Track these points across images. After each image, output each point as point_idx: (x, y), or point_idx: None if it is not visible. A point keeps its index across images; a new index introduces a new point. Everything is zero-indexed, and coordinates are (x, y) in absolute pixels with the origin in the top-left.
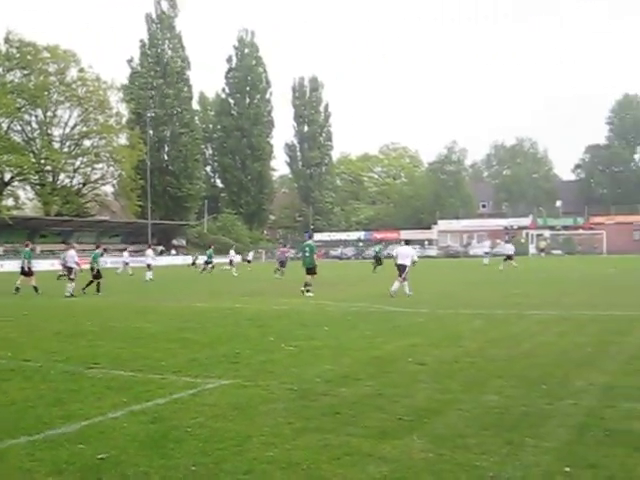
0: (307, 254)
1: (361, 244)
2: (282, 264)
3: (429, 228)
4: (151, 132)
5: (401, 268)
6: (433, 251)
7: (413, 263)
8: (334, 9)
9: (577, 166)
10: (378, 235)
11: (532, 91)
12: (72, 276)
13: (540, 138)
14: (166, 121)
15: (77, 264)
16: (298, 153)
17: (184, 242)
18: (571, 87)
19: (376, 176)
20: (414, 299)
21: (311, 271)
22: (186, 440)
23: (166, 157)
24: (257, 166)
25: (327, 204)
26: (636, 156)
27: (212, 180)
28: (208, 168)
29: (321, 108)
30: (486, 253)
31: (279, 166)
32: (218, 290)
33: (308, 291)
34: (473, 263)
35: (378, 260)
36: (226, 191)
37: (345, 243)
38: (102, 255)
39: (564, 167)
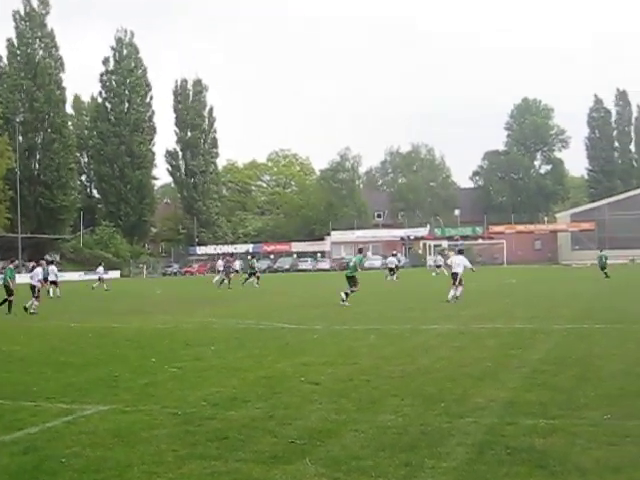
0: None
1: (250, 257)
2: (227, 274)
3: (322, 239)
4: (20, 138)
5: (454, 276)
6: (326, 264)
7: (471, 269)
8: (218, 7)
9: (475, 173)
10: (268, 247)
11: (425, 94)
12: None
13: (437, 144)
14: (37, 127)
15: None
16: (181, 161)
17: (58, 257)
18: (468, 90)
19: (265, 185)
20: (306, 316)
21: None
22: (61, 471)
23: (37, 166)
24: (137, 175)
25: (212, 215)
26: (536, 162)
27: (88, 190)
28: (84, 177)
29: (205, 112)
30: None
31: (161, 175)
32: (95, 308)
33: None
34: (368, 276)
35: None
36: (104, 202)
37: (232, 256)
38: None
39: (462, 174)
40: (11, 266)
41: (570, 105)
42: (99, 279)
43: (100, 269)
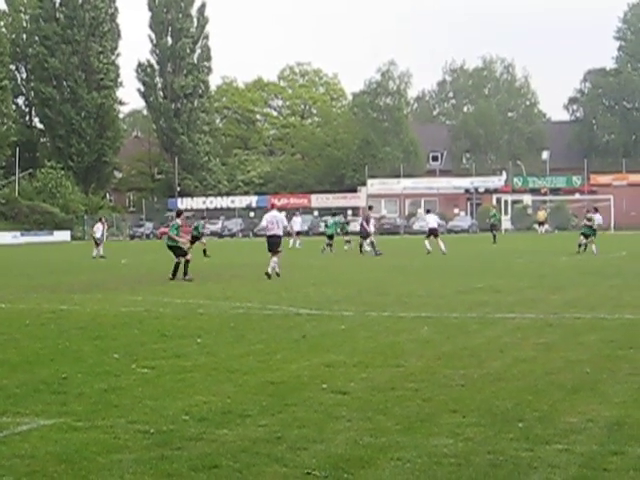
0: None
1: (252, 214)
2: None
3: (354, 191)
4: None
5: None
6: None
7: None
8: None
9: (572, 100)
10: (278, 201)
11: None
12: None
13: (518, 59)
14: None
15: None
16: (158, 79)
17: None
18: None
19: (275, 113)
20: (333, 297)
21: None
22: None
23: None
24: (96, 98)
25: (201, 155)
26: None
27: (27, 118)
28: (20, 100)
29: (193, 11)
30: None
31: (130, 98)
32: (34, 284)
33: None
34: (419, 242)
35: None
36: (48, 135)
37: (228, 213)
38: None
39: (554, 102)
40: None
41: None
42: (96, 243)
43: (98, 227)
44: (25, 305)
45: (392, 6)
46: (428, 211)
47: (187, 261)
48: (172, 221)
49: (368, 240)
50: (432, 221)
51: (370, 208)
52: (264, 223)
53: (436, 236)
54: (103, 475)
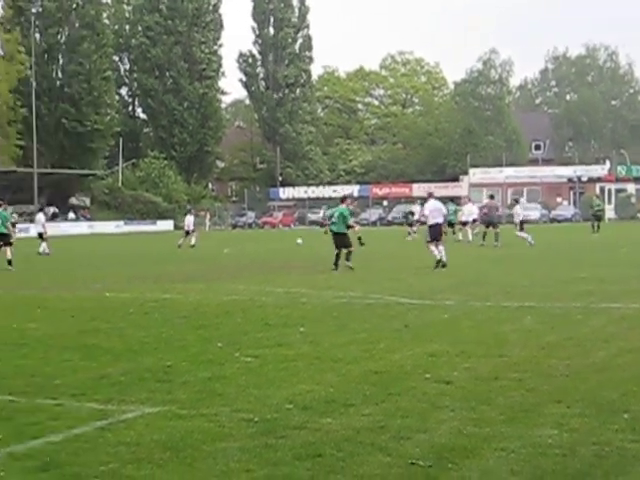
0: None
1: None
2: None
3: (456, 180)
4: (38, 36)
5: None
6: (473, 213)
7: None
8: None
9: None
10: (379, 190)
11: None
12: None
13: (622, 46)
14: (60, 20)
15: None
16: (260, 69)
17: (88, 201)
18: None
19: (376, 103)
20: (434, 287)
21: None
22: None
23: (60, 74)
24: (198, 88)
25: (303, 145)
26: None
27: (130, 109)
28: (124, 91)
29: (295, 0)
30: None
31: (232, 88)
32: (140, 273)
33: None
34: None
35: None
36: (151, 125)
37: (330, 202)
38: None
39: None
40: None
41: None
42: (187, 232)
43: (189, 219)
44: (129, 294)
45: None
46: (516, 201)
47: (349, 252)
48: (334, 208)
49: (498, 229)
50: (519, 213)
51: (492, 197)
52: (426, 212)
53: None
54: (208, 463)
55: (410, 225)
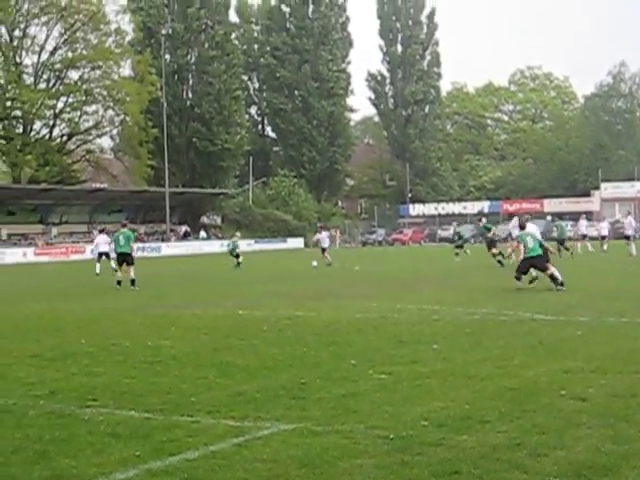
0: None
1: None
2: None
3: (587, 195)
4: (168, 57)
5: None
6: (603, 228)
7: None
8: None
9: None
10: (510, 206)
11: None
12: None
13: None
14: (190, 40)
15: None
16: (388, 86)
17: (219, 220)
18: None
19: (506, 118)
20: (569, 302)
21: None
22: None
23: (190, 94)
24: (326, 106)
25: (432, 161)
26: None
27: (259, 127)
28: (253, 110)
29: (423, 17)
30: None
31: (360, 105)
32: (272, 290)
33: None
34: None
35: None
36: (281, 144)
37: (460, 219)
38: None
39: None
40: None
41: None
42: (322, 250)
43: (324, 234)
44: (262, 311)
45: (622, 6)
46: (629, 213)
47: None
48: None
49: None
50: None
51: (629, 213)
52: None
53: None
54: (345, 479)
55: (459, 247)
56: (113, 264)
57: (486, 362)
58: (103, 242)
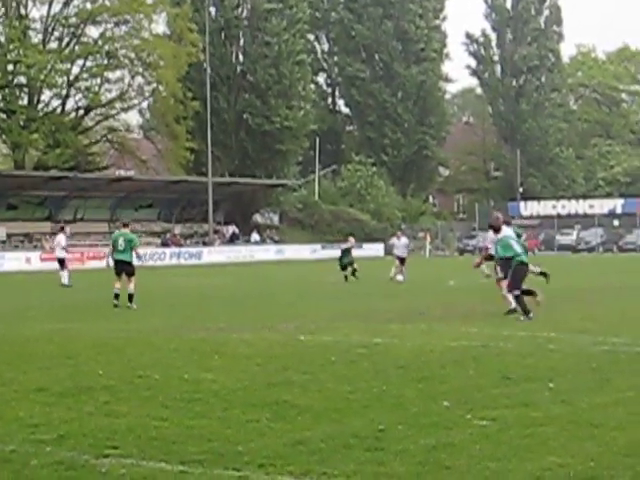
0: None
1: (617, 222)
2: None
3: None
4: (213, 10)
5: None
6: None
7: None
8: None
9: None
10: None
11: None
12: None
13: None
14: None
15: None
16: (494, 49)
17: (276, 219)
18: None
19: None
20: None
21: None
22: None
23: (241, 58)
24: (415, 74)
25: (551, 146)
26: None
27: (329, 101)
28: (321, 78)
29: None
30: None
31: (458, 75)
32: (343, 310)
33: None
34: None
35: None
36: (356, 122)
37: (585, 221)
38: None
39: None
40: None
41: None
42: (401, 260)
43: (403, 241)
44: (330, 337)
45: None
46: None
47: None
48: None
49: None
50: None
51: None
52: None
53: None
54: None
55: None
56: (64, 279)
57: (617, 406)
58: (59, 245)
